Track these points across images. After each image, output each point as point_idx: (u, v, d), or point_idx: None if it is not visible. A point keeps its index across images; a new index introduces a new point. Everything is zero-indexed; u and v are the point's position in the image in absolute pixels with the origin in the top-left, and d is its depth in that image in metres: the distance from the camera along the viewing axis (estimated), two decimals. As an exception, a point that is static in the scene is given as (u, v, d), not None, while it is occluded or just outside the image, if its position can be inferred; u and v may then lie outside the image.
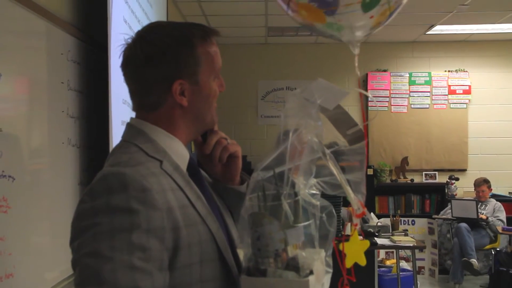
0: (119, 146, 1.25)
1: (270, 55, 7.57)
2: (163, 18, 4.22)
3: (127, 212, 1.04)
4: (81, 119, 2.51)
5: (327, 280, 1.14)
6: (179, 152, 1.24)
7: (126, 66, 1.26)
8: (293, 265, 1.03)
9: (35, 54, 2.15)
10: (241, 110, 7.55)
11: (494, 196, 6.96)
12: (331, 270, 1.14)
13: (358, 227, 1.12)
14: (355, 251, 1.12)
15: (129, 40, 1.25)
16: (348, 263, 1.13)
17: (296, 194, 1.08)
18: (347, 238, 1.13)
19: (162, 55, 1.21)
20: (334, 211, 1.10)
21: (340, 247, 1.12)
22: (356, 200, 1.11)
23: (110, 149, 2.49)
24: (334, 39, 1.42)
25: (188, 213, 1.15)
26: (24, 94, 2.06)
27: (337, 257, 1.12)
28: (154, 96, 1.23)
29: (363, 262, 1.13)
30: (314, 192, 1.10)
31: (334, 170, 1.09)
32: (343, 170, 1.11)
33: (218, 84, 1.29)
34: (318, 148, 1.08)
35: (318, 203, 1.09)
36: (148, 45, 1.22)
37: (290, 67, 7.52)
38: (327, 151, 1.10)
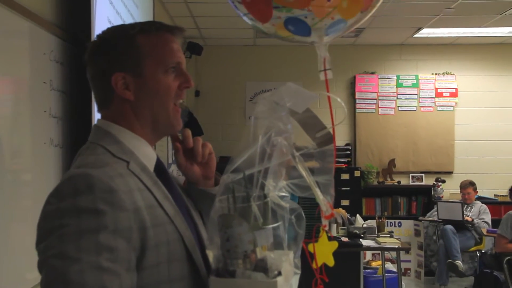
0: (85, 147, 1.24)
1: (258, 56, 7.58)
2: (149, 19, 4.22)
3: (94, 213, 1.04)
4: (64, 119, 2.51)
5: (295, 281, 1.15)
6: (146, 153, 1.25)
7: None
8: (261, 266, 1.05)
9: (18, 54, 2.14)
10: (229, 111, 7.55)
11: (479, 198, 7.01)
12: (299, 272, 1.15)
13: (327, 228, 1.13)
14: (323, 252, 1.13)
15: None
16: (315, 264, 1.14)
17: (265, 196, 1.09)
18: (316, 239, 1.14)
19: (98, 50, 1.23)
20: (303, 213, 1.11)
21: (310, 248, 1.13)
22: (325, 202, 1.12)
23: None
24: (298, 42, 1.43)
25: (155, 213, 1.15)
26: (6, 93, 2.06)
27: (308, 258, 1.13)
28: (100, 93, 1.25)
29: (331, 262, 1.14)
30: (283, 194, 1.11)
31: (304, 172, 1.10)
32: (312, 172, 1.12)
33: (180, 80, 1.25)
34: (288, 150, 1.09)
35: (287, 205, 1.11)
36: (90, 44, 1.25)
37: (278, 68, 7.53)
38: (297, 154, 1.11)
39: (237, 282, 1.04)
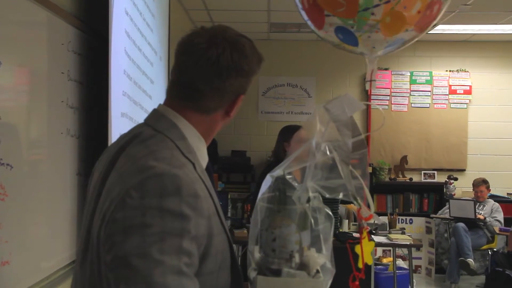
0: (149, 135, 1.21)
1: (272, 51, 7.54)
2: (165, 11, 4.22)
3: (179, 217, 1.03)
4: (81, 109, 2.51)
5: (330, 278, 1.17)
6: (203, 155, 1.25)
7: (209, 67, 1.22)
8: (303, 265, 1.06)
9: (36, 44, 2.14)
10: (242, 105, 7.39)
11: (492, 196, 6.97)
12: (334, 269, 1.17)
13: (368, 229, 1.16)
14: (364, 252, 1.16)
15: (206, 35, 1.25)
16: (360, 263, 1.17)
17: (309, 199, 1.10)
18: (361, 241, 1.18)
19: (248, 70, 1.25)
20: (332, 214, 1.13)
21: (356, 249, 1.16)
22: (364, 204, 1.15)
23: (109, 140, 2.50)
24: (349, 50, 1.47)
25: (216, 222, 1.15)
26: (24, 83, 2.06)
27: (350, 259, 1.16)
28: (215, 102, 1.24)
29: (370, 261, 1.18)
30: (313, 195, 1.13)
31: (347, 176, 1.13)
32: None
33: None
34: (330, 154, 1.11)
35: (325, 208, 1.13)
36: (241, 57, 1.25)
37: (291, 63, 7.51)
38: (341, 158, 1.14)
39: (286, 280, 1.07)
